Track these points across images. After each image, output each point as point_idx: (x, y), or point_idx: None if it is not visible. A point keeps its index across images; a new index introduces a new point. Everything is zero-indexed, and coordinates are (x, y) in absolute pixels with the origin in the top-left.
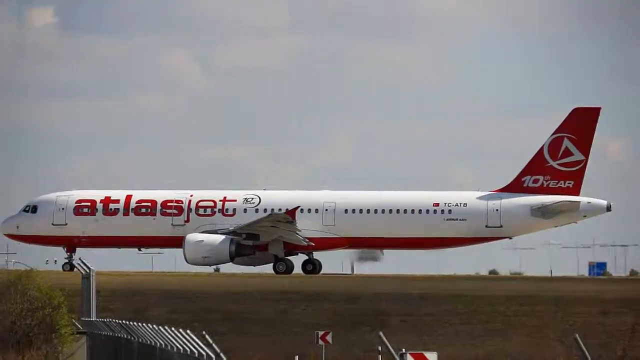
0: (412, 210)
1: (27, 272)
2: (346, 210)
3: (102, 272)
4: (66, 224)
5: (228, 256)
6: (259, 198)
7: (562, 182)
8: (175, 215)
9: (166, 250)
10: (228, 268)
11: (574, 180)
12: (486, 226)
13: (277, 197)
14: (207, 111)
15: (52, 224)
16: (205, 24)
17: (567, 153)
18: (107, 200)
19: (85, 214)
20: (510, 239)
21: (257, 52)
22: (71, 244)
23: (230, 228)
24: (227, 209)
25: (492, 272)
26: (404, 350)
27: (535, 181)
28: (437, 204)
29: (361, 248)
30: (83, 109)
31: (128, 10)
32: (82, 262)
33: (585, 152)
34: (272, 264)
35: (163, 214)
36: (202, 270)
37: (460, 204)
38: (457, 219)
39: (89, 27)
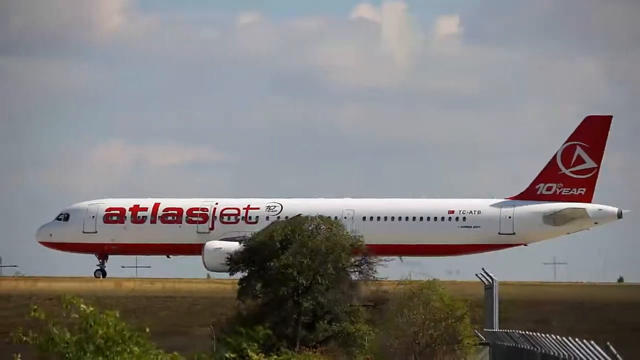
0: (428, 218)
1: (429, 282)
2: (364, 218)
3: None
4: (96, 232)
5: None
6: (281, 206)
7: (575, 189)
8: (200, 222)
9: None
10: None
11: (586, 187)
12: (499, 233)
13: (298, 205)
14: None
15: (83, 232)
16: None
17: (580, 161)
18: (135, 209)
19: (114, 222)
20: (526, 245)
21: None
22: (102, 251)
23: (249, 235)
24: (250, 217)
25: None
26: None
27: (549, 189)
28: (452, 212)
29: (377, 255)
30: None
31: None
32: (485, 272)
33: (597, 159)
34: None
35: (189, 221)
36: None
37: (475, 211)
38: (471, 226)
39: None
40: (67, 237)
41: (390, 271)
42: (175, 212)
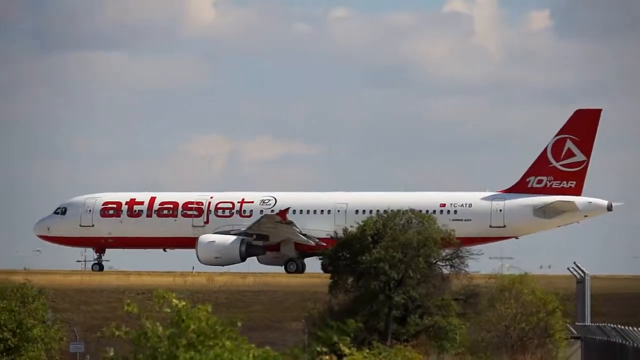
0: (420, 211)
1: (521, 276)
2: (357, 211)
3: None
4: (93, 226)
5: (239, 256)
6: (275, 199)
7: (565, 182)
8: (195, 216)
9: None
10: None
11: (576, 180)
12: (490, 226)
13: (292, 199)
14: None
15: (80, 226)
16: None
17: (570, 154)
18: (132, 202)
19: (110, 216)
20: (517, 238)
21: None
22: (99, 244)
23: (242, 229)
24: (244, 210)
25: None
26: None
27: (539, 182)
28: (444, 205)
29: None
30: None
31: None
32: (577, 266)
33: (587, 153)
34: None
35: (184, 215)
36: None
37: (466, 204)
38: (462, 219)
39: None
40: (64, 231)
41: (482, 265)
42: (171, 206)
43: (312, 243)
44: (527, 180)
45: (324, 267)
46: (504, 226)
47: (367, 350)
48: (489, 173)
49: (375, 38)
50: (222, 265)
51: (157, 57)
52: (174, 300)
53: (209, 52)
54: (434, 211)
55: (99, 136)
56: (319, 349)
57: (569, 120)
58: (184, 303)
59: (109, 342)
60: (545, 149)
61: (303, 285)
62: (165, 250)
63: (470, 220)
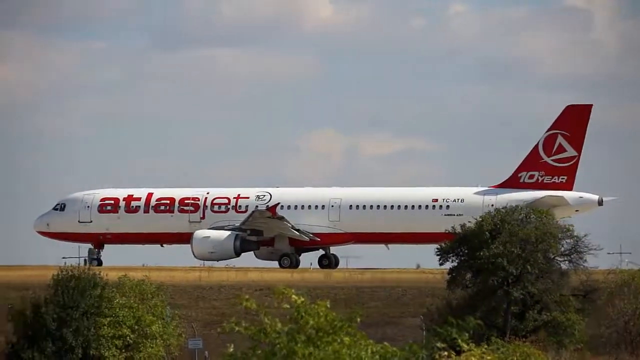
0: (412, 206)
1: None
2: (351, 206)
3: None
4: (91, 222)
5: (233, 251)
6: (270, 195)
7: (556, 177)
8: (192, 212)
9: None
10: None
11: (566, 175)
12: None
13: (287, 194)
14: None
15: (78, 222)
16: None
17: (561, 149)
18: (129, 198)
19: (108, 212)
20: None
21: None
22: (97, 240)
23: (236, 224)
24: (240, 206)
25: None
26: None
27: (531, 177)
28: (436, 200)
29: (365, 243)
30: None
31: None
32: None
33: (578, 148)
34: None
35: (181, 211)
36: None
37: (458, 199)
38: (454, 215)
39: None
40: (63, 227)
41: (600, 260)
42: (168, 201)
43: (306, 238)
44: (519, 175)
45: (320, 263)
46: None
47: (485, 347)
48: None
49: (491, 32)
50: (217, 261)
51: (275, 53)
52: (294, 295)
53: (326, 47)
54: (426, 206)
55: (212, 132)
56: (437, 345)
57: (560, 116)
58: (302, 299)
59: (227, 339)
60: (537, 145)
61: (421, 280)
62: (162, 246)
63: (462, 215)
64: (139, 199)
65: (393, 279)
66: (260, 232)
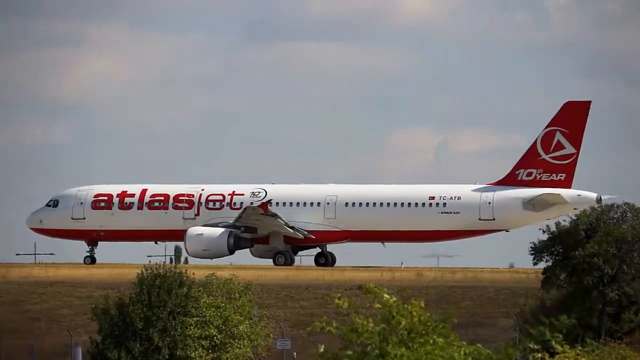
0: (409, 204)
1: None
2: (346, 204)
3: None
4: (84, 218)
5: (227, 249)
6: (265, 192)
7: (554, 175)
8: (186, 209)
9: None
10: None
11: (565, 173)
12: (479, 219)
13: (282, 191)
14: None
15: (72, 218)
16: None
17: (559, 146)
18: (123, 195)
19: (102, 208)
20: (507, 231)
21: None
22: (90, 237)
23: (230, 222)
24: (234, 203)
25: None
26: None
27: (529, 174)
28: (433, 197)
29: (360, 241)
30: None
31: None
32: None
33: (577, 145)
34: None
35: (175, 207)
36: None
37: (455, 197)
38: (451, 212)
39: None
40: (56, 224)
41: None
42: (162, 198)
43: (300, 236)
44: (517, 172)
45: (317, 261)
46: (493, 219)
47: (580, 348)
48: None
49: (594, 26)
50: (211, 258)
51: (367, 47)
52: (385, 295)
53: (419, 40)
54: (423, 204)
55: (298, 128)
56: (531, 346)
57: (558, 113)
58: (394, 299)
59: (315, 340)
60: (535, 142)
61: (515, 280)
62: (156, 243)
63: (459, 213)
64: (132, 195)
65: (486, 279)
66: (254, 229)
